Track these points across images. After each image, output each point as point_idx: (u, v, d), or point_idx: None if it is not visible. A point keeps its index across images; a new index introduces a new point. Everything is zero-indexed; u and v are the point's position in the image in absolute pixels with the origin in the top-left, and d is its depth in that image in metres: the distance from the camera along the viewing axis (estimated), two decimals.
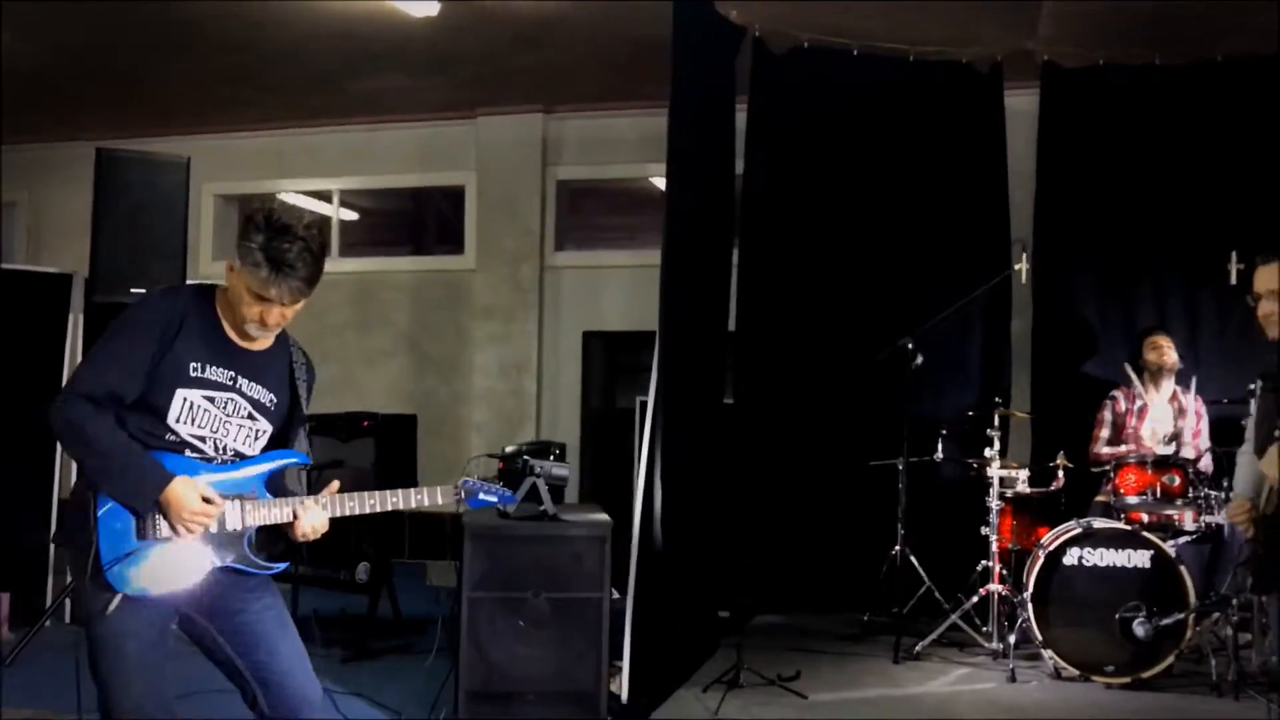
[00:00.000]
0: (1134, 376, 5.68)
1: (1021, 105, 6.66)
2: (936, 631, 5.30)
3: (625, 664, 4.55)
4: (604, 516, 4.45)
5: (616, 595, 4.49)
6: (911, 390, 5.66)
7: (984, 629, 5.35)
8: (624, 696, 4.52)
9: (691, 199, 5.33)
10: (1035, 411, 6.28)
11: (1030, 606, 4.86)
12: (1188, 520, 5.09)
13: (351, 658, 5.52)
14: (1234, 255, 5.46)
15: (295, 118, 8.48)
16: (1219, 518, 5.06)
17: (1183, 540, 5.13)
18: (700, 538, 5.39)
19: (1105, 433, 5.77)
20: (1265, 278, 3.24)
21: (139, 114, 8.29)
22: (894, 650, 5.25)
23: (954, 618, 5.33)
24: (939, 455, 5.80)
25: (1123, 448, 5.63)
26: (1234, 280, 5.44)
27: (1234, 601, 4.68)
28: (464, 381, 8.24)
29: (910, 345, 5.53)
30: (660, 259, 5.02)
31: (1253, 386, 3.52)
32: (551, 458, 4.59)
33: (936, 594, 5.65)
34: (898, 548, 5.72)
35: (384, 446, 6.09)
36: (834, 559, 6.23)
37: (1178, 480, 5.04)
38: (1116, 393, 5.84)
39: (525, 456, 4.45)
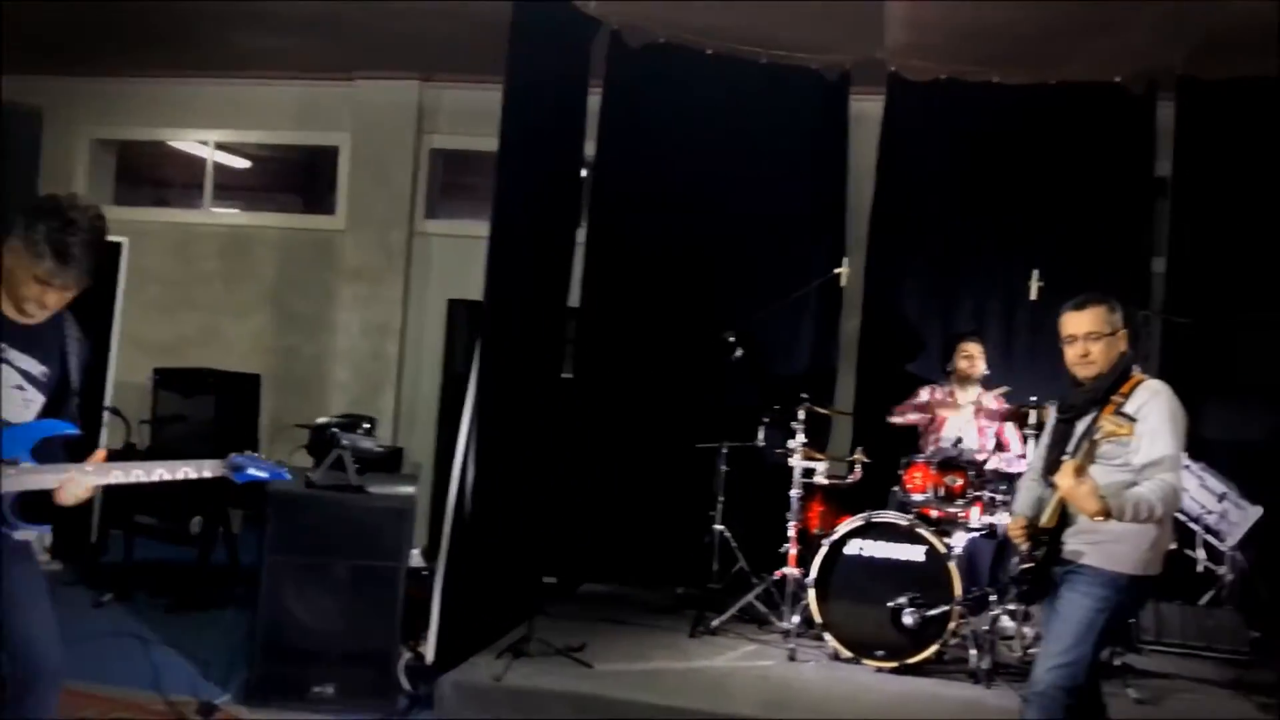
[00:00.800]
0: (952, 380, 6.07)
1: (872, 110, 6.96)
2: (733, 609, 5.63)
3: (433, 627, 4.80)
4: (408, 489, 4.68)
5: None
6: (738, 379, 5.94)
7: (782, 609, 5.69)
8: (429, 658, 4.79)
9: (529, 176, 5.50)
10: (859, 408, 6.64)
11: (812, 591, 5.20)
12: (974, 518, 5.46)
13: (175, 607, 5.70)
14: (1035, 274, 5.79)
15: (177, 67, 8.45)
16: (1000, 518, 5.45)
17: (975, 535, 5.51)
18: (521, 508, 5.63)
19: (909, 404, 6.14)
20: (1074, 323, 3.58)
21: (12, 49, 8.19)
22: (692, 624, 5.57)
23: (749, 597, 5.66)
24: (760, 442, 6.10)
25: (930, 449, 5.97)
26: (1033, 296, 5.78)
27: (991, 598, 5.07)
28: (327, 341, 8.36)
29: (732, 338, 5.82)
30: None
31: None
32: (360, 430, 4.80)
33: (748, 572, 5.98)
34: (717, 526, 6.05)
35: (224, 404, 6.24)
36: (660, 534, 6.52)
37: (960, 480, 5.40)
38: (925, 389, 6.19)
39: (333, 429, 4.66)
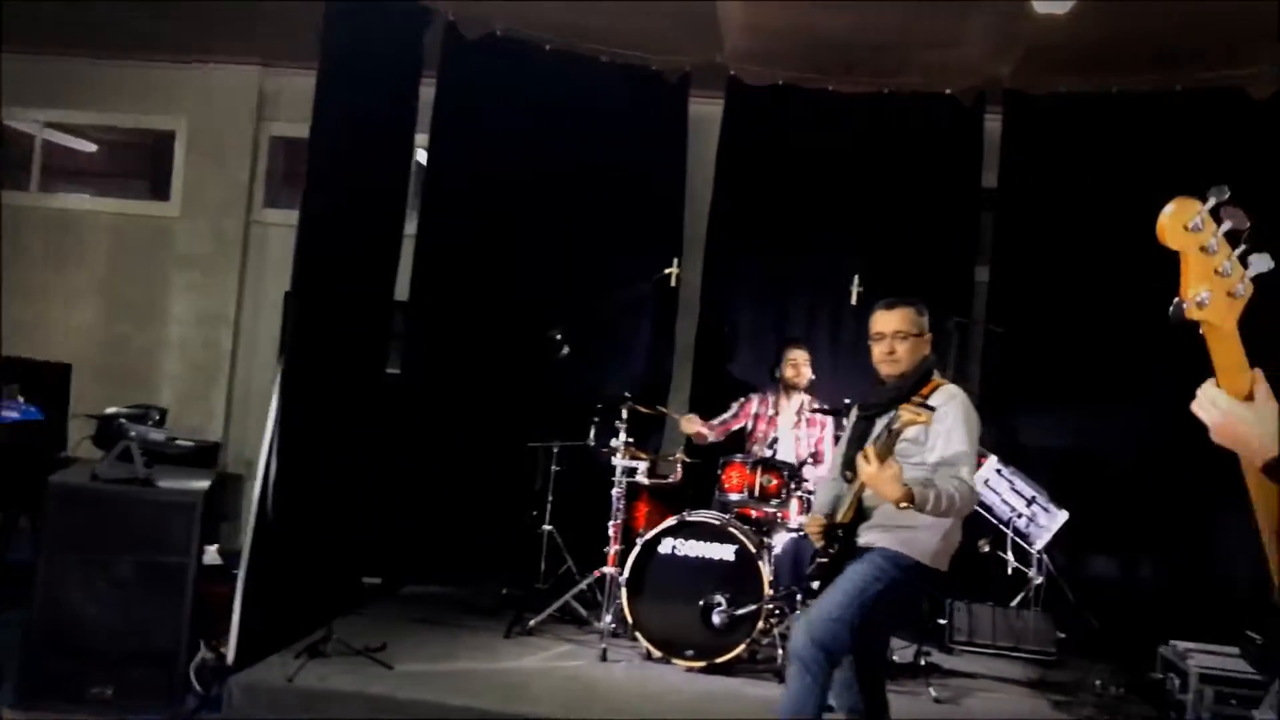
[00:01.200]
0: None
1: (713, 114, 6.99)
2: (550, 609, 5.58)
3: (234, 626, 4.64)
4: (199, 484, 4.51)
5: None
6: (574, 378, 5.90)
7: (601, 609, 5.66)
8: (229, 658, 4.63)
9: (349, 165, 5.39)
10: (693, 409, 6.65)
11: (625, 591, 5.18)
12: (793, 517, 5.52)
13: None
14: (856, 278, 5.87)
15: (8, 41, 8.07)
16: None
17: (796, 534, 5.55)
18: (334, 506, 5.50)
19: (725, 415, 6.13)
20: (882, 321, 3.72)
21: None
22: (509, 625, 5.50)
23: (566, 597, 5.63)
24: (590, 441, 6.07)
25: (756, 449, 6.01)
26: (854, 301, 5.86)
27: (799, 596, 5.12)
28: (159, 331, 8.07)
29: (559, 336, 5.77)
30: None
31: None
32: (150, 422, 4.62)
33: (575, 572, 5.94)
34: (546, 526, 6.00)
35: (31, 395, 5.96)
36: (489, 534, 6.44)
37: (775, 481, 5.44)
38: (753, 395, 6.22)
39: (120, 419, 4.48)
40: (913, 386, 3.59)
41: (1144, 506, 6.22)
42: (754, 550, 5.12)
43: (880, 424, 3.61)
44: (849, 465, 3.61)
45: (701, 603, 5.11)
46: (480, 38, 6.45)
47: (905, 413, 3.29)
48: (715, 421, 6.10)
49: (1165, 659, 5.35)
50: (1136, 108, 6.32)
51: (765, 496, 5.44)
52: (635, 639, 5.24)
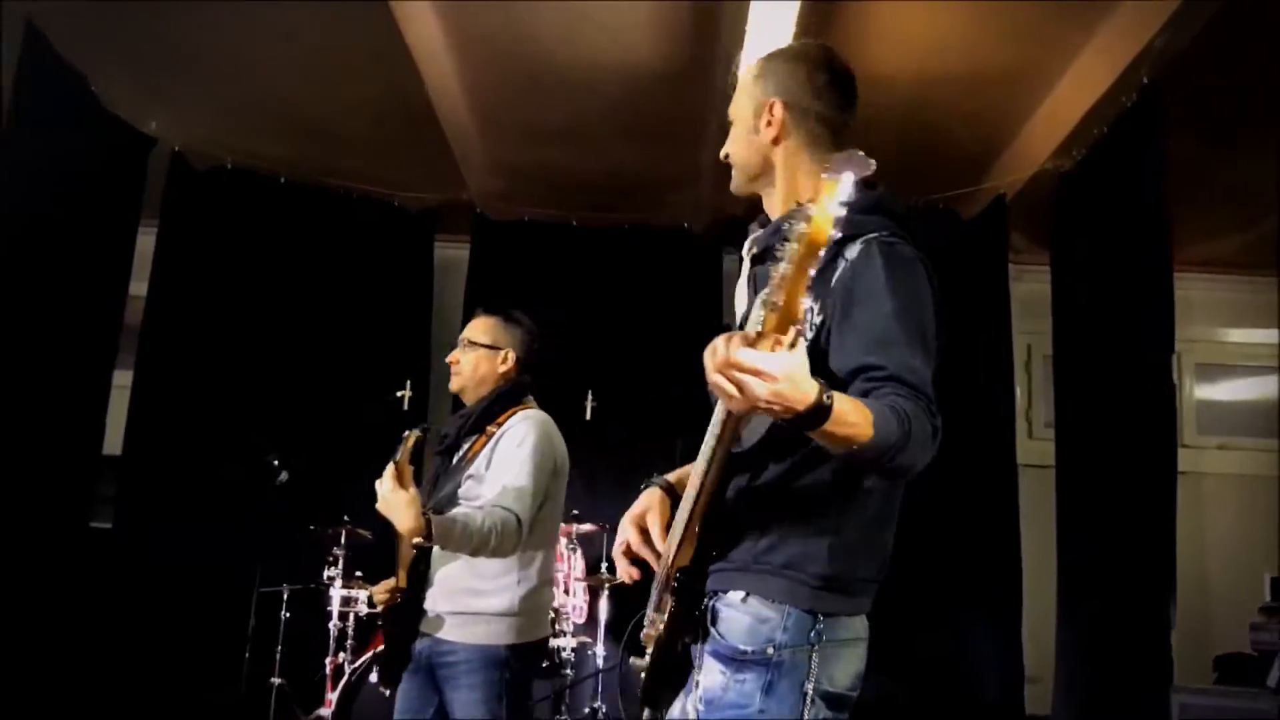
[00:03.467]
0: None
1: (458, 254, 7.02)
2: None
3: None
4: None
5: None
6: (293, 508, 5.56)
7: None
8: None
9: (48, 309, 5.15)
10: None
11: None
12: None
13: None
14: (590, 393, 5.81)
15: None
16: (562, 642, 5.23)
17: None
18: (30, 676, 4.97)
19: None
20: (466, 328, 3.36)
21: None
22: None
23: None
24: (325, 579, 5.67)
25: None
26: (588, 417, 5.77)
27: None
28: None
29: (275, 462, 5.47)
30: None
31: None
32: None
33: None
34: (275, 680, 5.52)
35: None
36: (215, 689, 5.89)
37: None
38: None
39: None
40: (484, 412, 3.14)
41: (889, 620, 6.11)
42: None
43: (456, 458, 3.15)
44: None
45: None
46: (209, 169, 6.33)
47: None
48: None
49: None
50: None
51: None
52: None
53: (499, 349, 3.26)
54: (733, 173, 2.01)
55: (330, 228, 6.62)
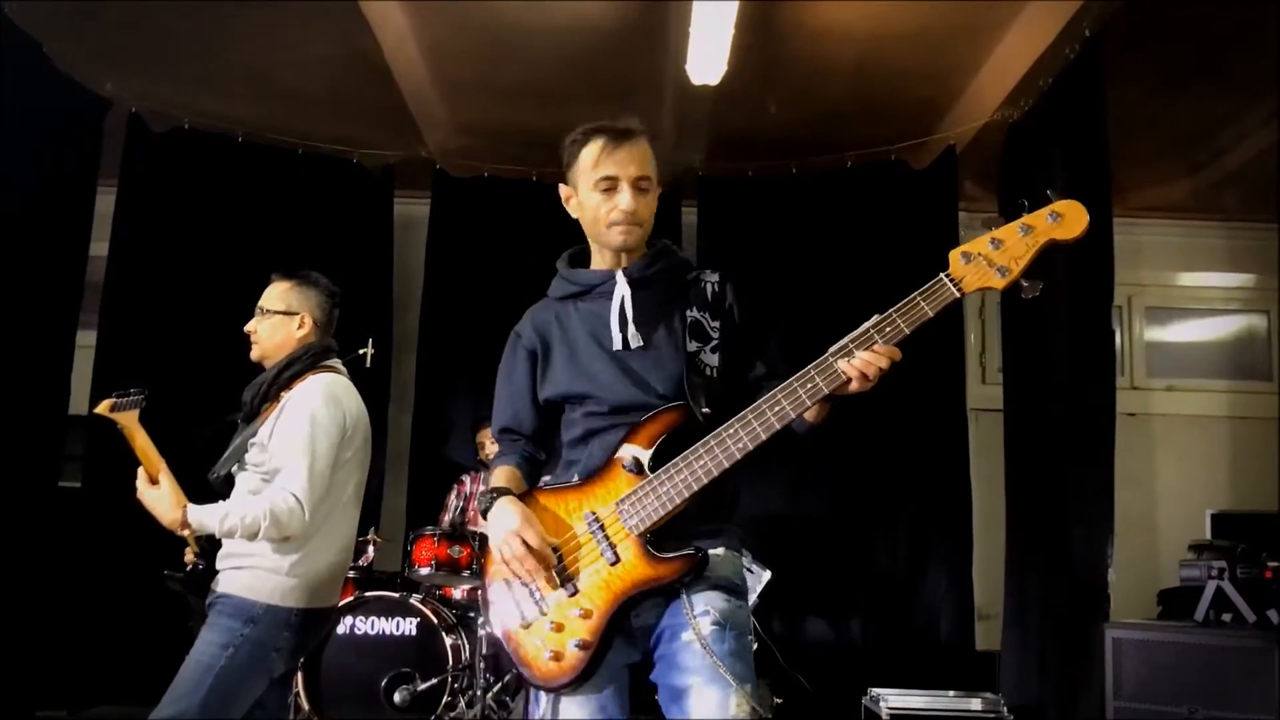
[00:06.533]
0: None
1: (418, 210, 7.05)
2: None
3: None
4: None
5: None
6: None
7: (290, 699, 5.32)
8: None
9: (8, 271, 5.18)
10: (410, 491, 6.53)
11: (300, 675, 4.89)
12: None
13: None
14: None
15: None
16: None
17: None
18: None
19: (448, 516, 6.01)
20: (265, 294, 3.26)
21: None
22: None
23: None
24: None
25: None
26: None
27: (481, 666, 4.93)
28: None
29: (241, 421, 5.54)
30: None
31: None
32: None
33: None
34: None
35: None
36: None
37: (464, 552, 5.29)
38: (465, 476, 6.14)
39: None
40: (275, 378, 3.08)
41: (845, 563, 6.32)
42: (437, 623, 4.94)
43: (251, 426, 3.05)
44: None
45: (385, 681, 4.87)
46: (168, 131, 6.35)
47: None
48: (446, 520, 5.96)
49: (866, 708, 5.37)
50: (814, 184, 6.65)
51: (456, 569, 5.26)
52: None
53: (294, 314, 3.22)
54: (637, 232, 2.40)
55: (289, 186, 6.63)
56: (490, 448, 5.96)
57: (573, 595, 2.18)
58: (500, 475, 2.38)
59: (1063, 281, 5.39)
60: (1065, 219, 2.04)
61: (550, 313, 2.50)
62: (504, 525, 2.20)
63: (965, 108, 6.13)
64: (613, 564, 2.16)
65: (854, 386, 2.09)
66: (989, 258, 2.07)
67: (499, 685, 5.00)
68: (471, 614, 5.30)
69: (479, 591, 5.31)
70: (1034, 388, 5.81)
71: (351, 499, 3.10)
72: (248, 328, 3.25)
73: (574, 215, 2.51)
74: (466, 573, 5.28)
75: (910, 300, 2.06)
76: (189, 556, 3.01)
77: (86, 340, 6.15)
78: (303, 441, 2.90)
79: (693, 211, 7.02)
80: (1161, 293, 7.55)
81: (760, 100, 6.10)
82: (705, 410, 2.20)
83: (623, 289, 2.36)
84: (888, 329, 2.06)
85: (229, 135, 6.44)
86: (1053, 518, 5.43)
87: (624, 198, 2.36)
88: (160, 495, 2.83)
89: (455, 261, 6.88)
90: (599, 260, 2.47)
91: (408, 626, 4.96)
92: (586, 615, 2.15)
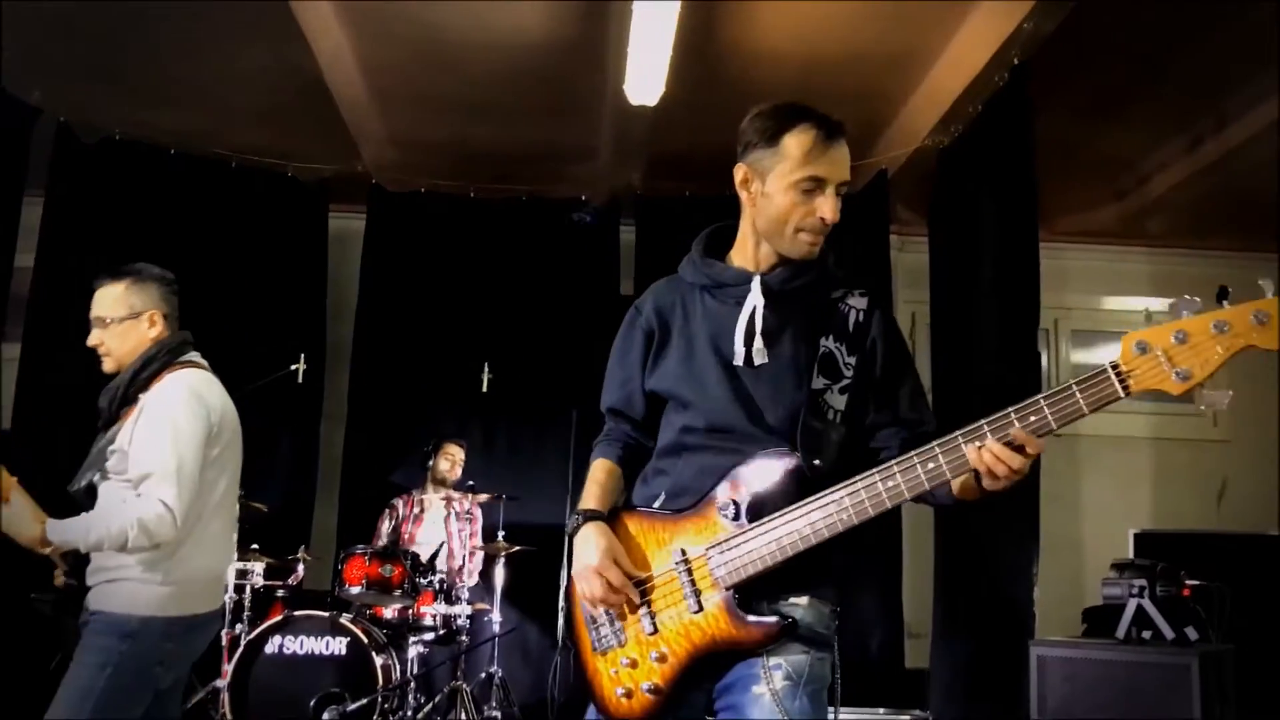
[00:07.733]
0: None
1: (353, 225, 7.01)
2: None
3: None
4: None
5: None
6: None
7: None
8: None
9: None
10: (342, 508, 6.46)
11: (227, 696, 4.81)
12: (427, 612, 5.35)
13: None
14: (486, 365, 5.89)
15: None
16: (458, 609, 5.39)
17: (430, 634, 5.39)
18: None
19: (380, 543, 5.94)
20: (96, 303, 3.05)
21: None
22: None
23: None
24: None
25: None
26: (485, 389, 5.86)
27: (411, 685, 4.90)
28: None
29: None
30: None
31: None
32: None
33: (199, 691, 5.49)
34: None
35: None
36: None
37: (396, 571, 5.25)
38: (397, 500, 6.11)
39: None
40: (131, 380, 2.91)
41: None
42: (367, 642, 4.89)
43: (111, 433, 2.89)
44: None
45: (314, 701, 4.81)
46: (98, 142, 6.24)
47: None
48: (381, 542, 5.91)
49: None
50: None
51: (387, 588, 5.23)
52: None
53: (140, 314, 3.03)
54: (822, 242, 2.15)
55: (222, 199, 6.55)
56: (459, 466, 5.97)
57: (652, 635, 2.04)
58: (596, 477, 2.23)
59: (991, 305, 5.50)
60: (1274, 323, 1.64)
61: (676, 295, 2.25)
62: (586, 559, 2.05)
63: (897, 133, 6.23)
64: (695, 612, 2.01)
65: (986, 484, 1.86)
66: (1170, 354, 1.74)
67: (429, 705, 4.97)
68: (404, 633, 5.27)
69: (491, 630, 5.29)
70: (961, 408, 5.88)
71: (224, 497, 2.96)
72: (91, 342, 3.03)
73: (745, 202, 2.16)
74: (398, 592, 5.27)
75: (1065, 390, 1.78)
76: (58, 579, 2.85)
77: (10, 353, 6.03)
78: (166, 443, 2.75)
79: (631, 231, 7.04)
80: (1087, 316, 7.72)
81: (698, 121, 6.14)
82: (817, 463, 2.01)
83: (756, 298, 2.10)
84: (1033, 418, 1.81)
85: (161, 147, 6.35)
86: (980, 536, 5.51)
87: (828, 205, 2.05)
88: (13, 514, 2.65)
89: (390, 277, 6.84)
90: (740, 253, 2.20)
91: (337, 646, 4.91)
92: (663, 660, 2.03)
